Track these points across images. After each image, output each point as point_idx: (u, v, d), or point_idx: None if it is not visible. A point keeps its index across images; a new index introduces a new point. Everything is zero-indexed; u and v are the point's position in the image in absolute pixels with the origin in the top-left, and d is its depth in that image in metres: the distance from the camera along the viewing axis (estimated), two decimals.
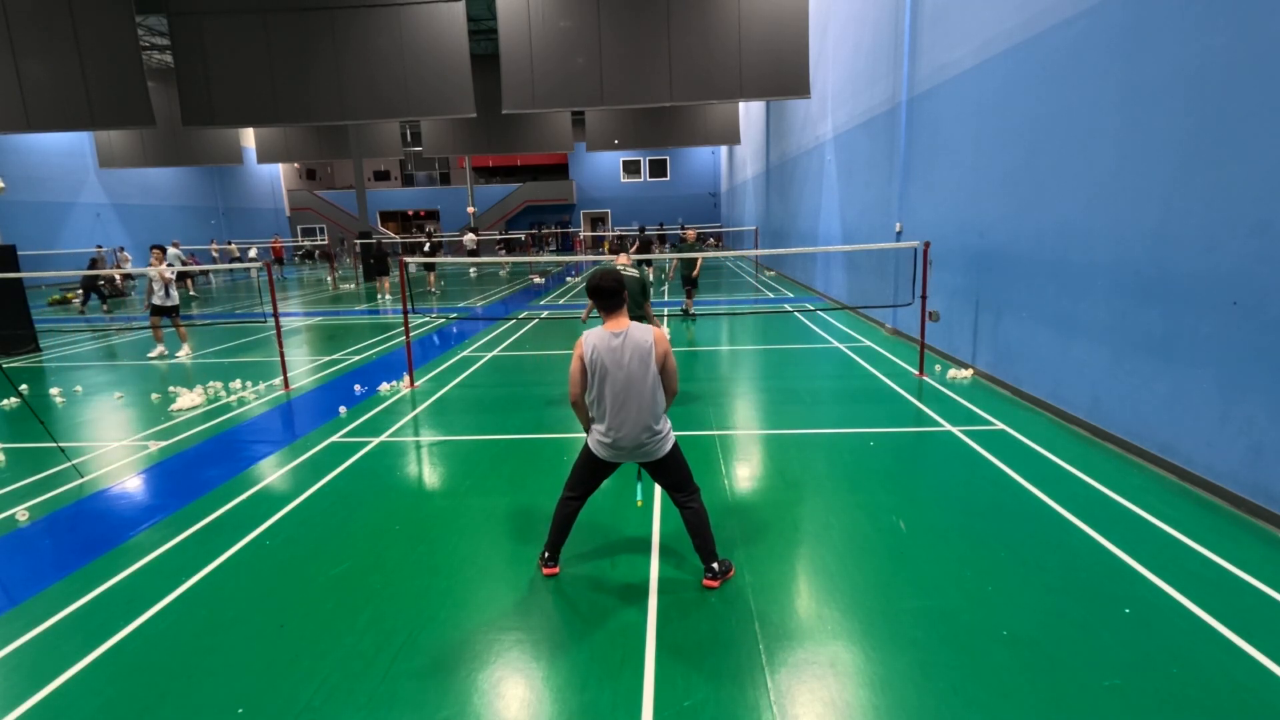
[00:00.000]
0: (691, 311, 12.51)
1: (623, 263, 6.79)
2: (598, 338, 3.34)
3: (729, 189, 35.85)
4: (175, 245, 19.76)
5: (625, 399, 3.31)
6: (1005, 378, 7.08)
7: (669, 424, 3.52)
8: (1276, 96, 3.88)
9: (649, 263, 19.86)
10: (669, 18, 13.26)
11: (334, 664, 3.00)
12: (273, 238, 33.32)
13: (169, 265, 11.70)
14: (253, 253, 29.35)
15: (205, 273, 24.03)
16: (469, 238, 23.71)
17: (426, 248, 22.69)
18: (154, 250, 10.87)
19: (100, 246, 24.25)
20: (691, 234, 12.82)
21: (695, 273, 12.33)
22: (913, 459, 5.33)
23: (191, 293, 20.91)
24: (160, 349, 10.46)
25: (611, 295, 3.39)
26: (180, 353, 10.44)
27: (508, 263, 27.73)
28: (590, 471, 3.56)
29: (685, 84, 13.52)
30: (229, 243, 31.17)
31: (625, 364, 3.30)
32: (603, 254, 30.39)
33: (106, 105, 13.85)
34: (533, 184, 41.98)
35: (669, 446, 3.47)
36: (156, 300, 10.36)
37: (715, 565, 3.53)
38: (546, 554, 3.71)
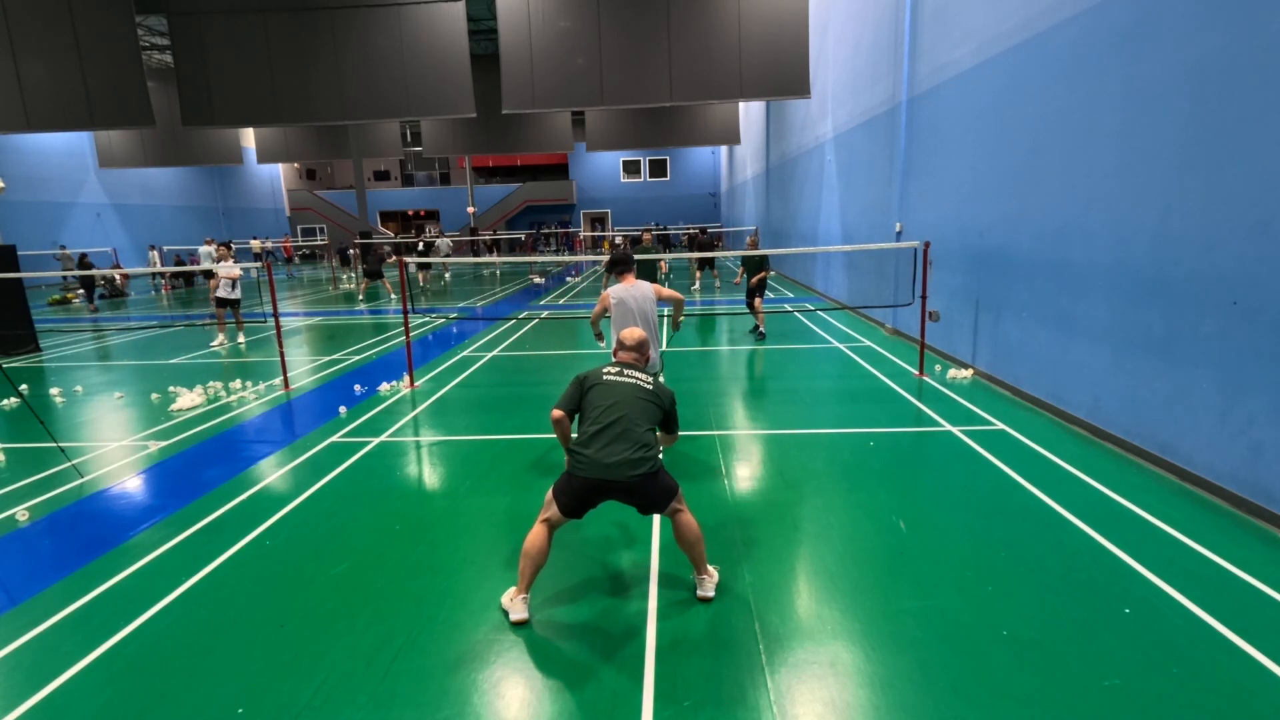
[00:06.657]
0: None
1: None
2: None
3: (729, 189, 35.84)
4: (210, 243, 20.24)
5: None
6: (1005, 378, 7.07)
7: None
8: (1276, 96, 3.88)
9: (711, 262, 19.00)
10: (669, 18, 13.25)
11: (334, 664, 3.00)
12: (276, 238, 33.23)
13: (235, 261, 12.23)
14: (203, 249, 19.84)
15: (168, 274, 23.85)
16: (442, 241, 23.94)
17: (420, 248, 23.16)
18: (219, 247, 11.64)
19: (64, 247, 23.94)
20: (646, 237, 13.06)
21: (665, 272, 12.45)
22: (913, 459, 5.33)
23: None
24: (221, 339, 11.13)
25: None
26: (234, 340, 11.33)
27: (491, 263, 27.69)
28: None
29: (685, 84, 13.51)
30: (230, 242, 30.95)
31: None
32: (602, 252, 30.37)
33: (106, 105, 13.85)
34: (533, 184, 41.94)
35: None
36: (222, 293, 11.07)
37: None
38: None
